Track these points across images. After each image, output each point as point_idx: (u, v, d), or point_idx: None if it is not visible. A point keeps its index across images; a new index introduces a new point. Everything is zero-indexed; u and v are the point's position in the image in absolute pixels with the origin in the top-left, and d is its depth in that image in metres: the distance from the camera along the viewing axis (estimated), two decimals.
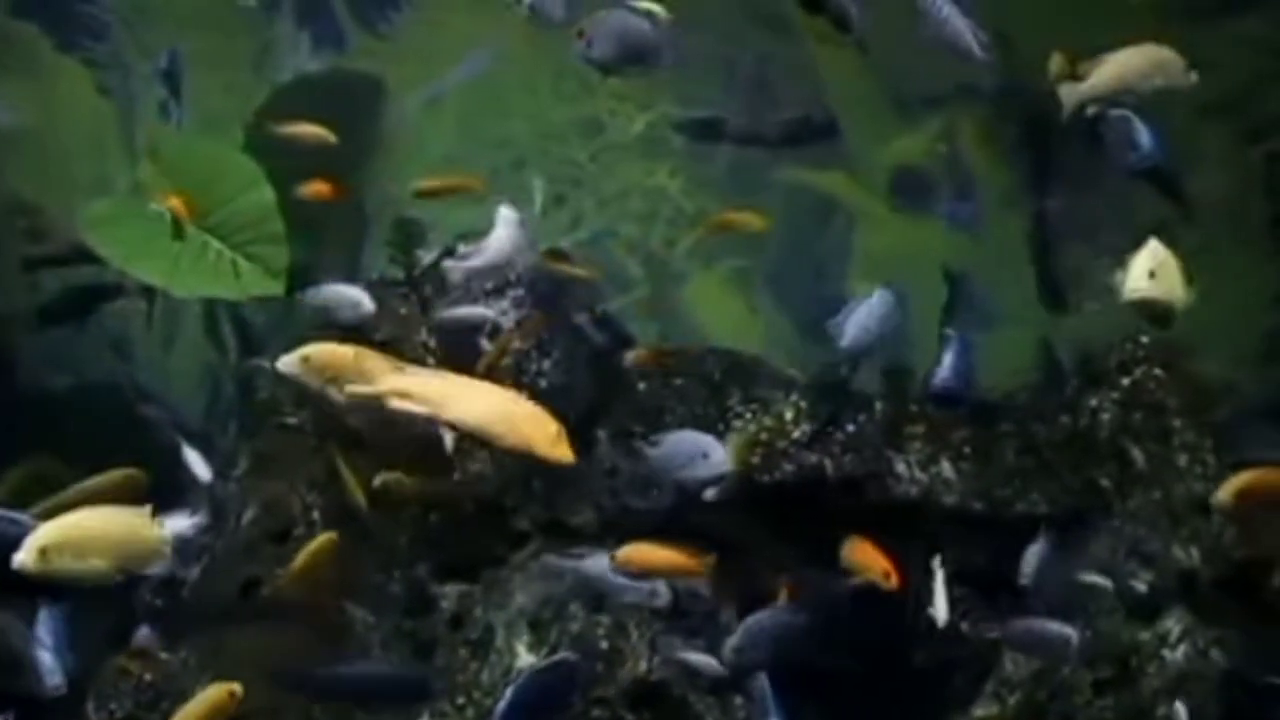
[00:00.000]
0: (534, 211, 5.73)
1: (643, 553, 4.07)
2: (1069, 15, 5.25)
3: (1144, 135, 4.35)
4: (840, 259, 5.84)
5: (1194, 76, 4.22)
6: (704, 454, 4.19)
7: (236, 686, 3.85)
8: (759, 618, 4.26)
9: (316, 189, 4.69)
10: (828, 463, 4.59)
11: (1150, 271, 3.75)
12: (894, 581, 4.07)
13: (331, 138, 4.74)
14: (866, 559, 4.11)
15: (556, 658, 4.14)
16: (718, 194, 5.80)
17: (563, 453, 3.46)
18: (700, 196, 5.81)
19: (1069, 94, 4.16)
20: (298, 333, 4.99)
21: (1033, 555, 4.30)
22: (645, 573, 4.11)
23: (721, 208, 5.81)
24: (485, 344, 4.75)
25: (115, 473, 4.53)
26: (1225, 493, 4.00)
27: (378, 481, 4.42)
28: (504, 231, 4.68)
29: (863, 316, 4.37)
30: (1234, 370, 5.51)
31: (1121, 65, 4.18)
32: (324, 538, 4.40)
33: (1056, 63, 4.33)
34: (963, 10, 4.12)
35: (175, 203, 4.57)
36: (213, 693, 3.86)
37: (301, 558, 4.34)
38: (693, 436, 4.32)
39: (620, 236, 5.78)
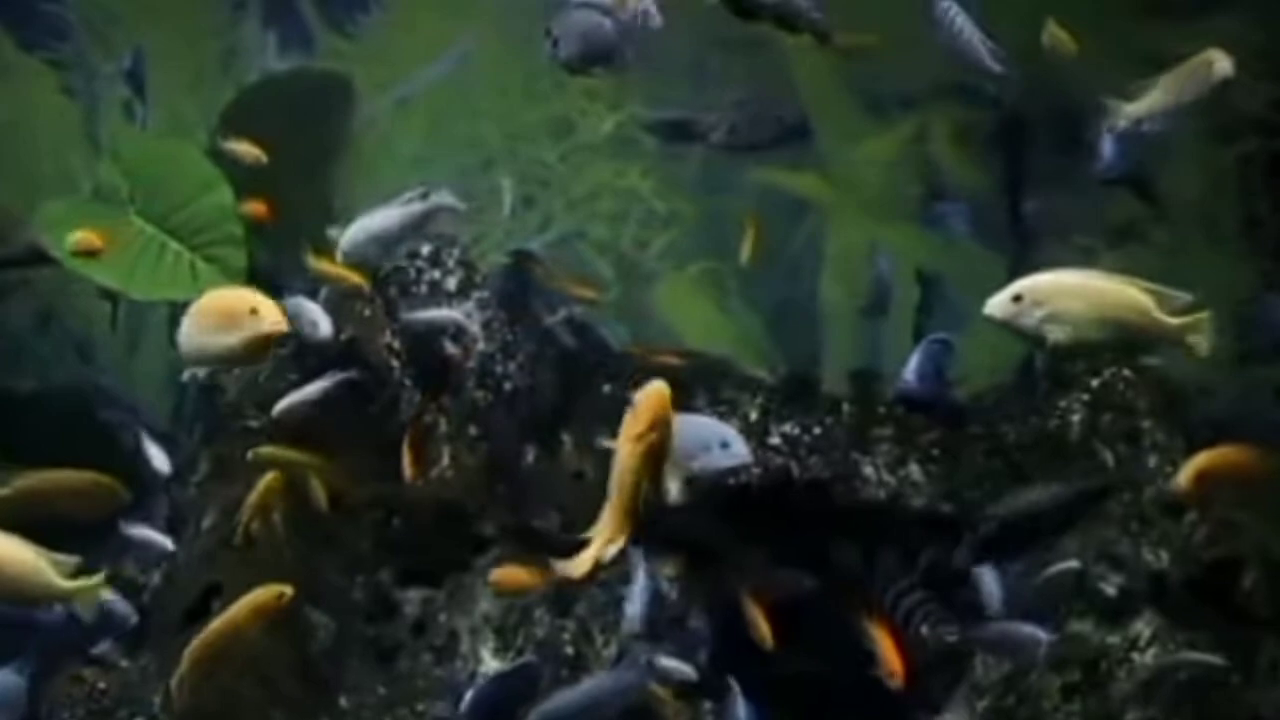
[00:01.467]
0: (503, 212, 5.72)
1: (514, 574, 4.16)
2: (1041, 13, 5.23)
3: (1109, 147, 4.34)
4: (812, 260, 5.81)
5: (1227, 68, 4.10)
6: (723, 442, 3.88)
7: (287, 589, 3.90)
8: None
9: (254, 209, 4.62)
10: (794, 465, 4.56)
11: (1016, 295, 3.52)
12: (897, 681, 4.16)
13: (264, 158, 4.67)
14: (884, 650, 4.18)
15: (518, 661, 4.10)
16: (689, 195, 5.78)
17: None
18: (672, 197, 5.78)
19: (1117, 111, 4.07)
20: None
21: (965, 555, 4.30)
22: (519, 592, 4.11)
23: (693, 209, 5.81)
24: (450, 346, 4.72)
25: (86, 474, 4.55)
26: (1184, 477, 3.89)
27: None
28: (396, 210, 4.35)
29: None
30: (1208, 371, 5.49)
31: (1175, 88, 4.10)
32: (270, 476, 4.39)
33: (1052, 35, 4.29)
34: (974, 19, 4.11)
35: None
36: (261, 594, 3.90)
37: (254, 495, 4.36)
38: (707, 423, 4.05)
39: (590, 238, 5.74)
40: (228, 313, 3.64)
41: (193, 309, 3.71)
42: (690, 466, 3.85)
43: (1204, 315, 3.57)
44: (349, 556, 4.55)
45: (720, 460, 3.88)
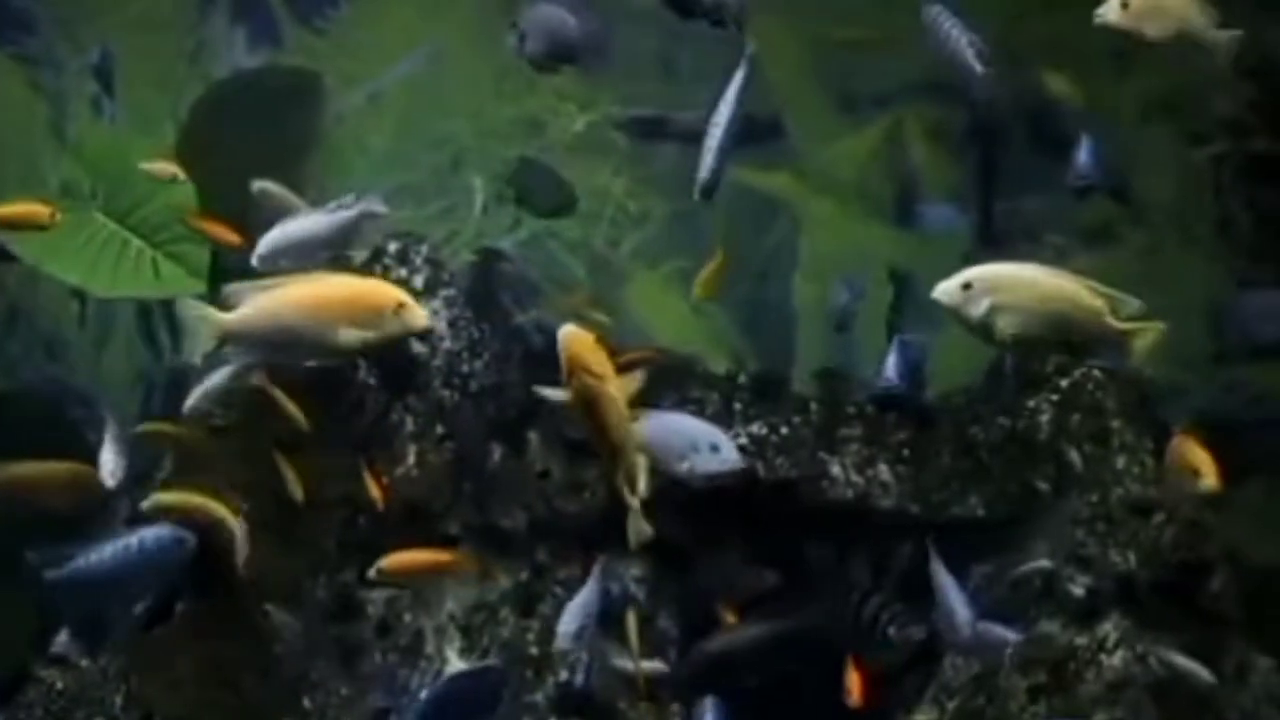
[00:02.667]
0: (475, 211, 5.69)
1: (402, 560, 4.15)
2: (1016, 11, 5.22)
3: (1084, 155, 4.33)
4: (785, 259, 5.79)
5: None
6: (712, 445, 3.85)
7: None
8: None
9: (226, 238, 4.55)
10: (760, 465, 4.53)
11: (966, 283, 3.50)
12: (854, 701, 4.22)
13: (181, 174, 4.59)
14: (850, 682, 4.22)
15: (477, 665, 4.08)
16: (661, 194, 5.75)
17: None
18: (643, 196, 5.76)
19: (1107, 11, 3.90)
20: None
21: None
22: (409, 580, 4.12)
23: (665, 207, 5.78)
24: (417, 345, 4.69)
25: (64, 465, 4.51)
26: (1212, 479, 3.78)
27: None
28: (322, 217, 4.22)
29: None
30: (1181, 372, 5.48)
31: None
32: None
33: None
34: (965, 25, 4.10)
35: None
36: None
37: None
38: (697, 425, 3.97)
39: (562, 237, 5.71)
40: (371, 306, 3.54)
41: (303, 297, 3.59)
42: (679, 469, 3.86)
43: (1155, 325, 3.54)
44: (313, 555, 4.51)
45: (709, 464, 3.85)
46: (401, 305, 3.57)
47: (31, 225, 4.20)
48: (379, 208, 4.12)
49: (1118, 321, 3.52)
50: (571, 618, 3.98)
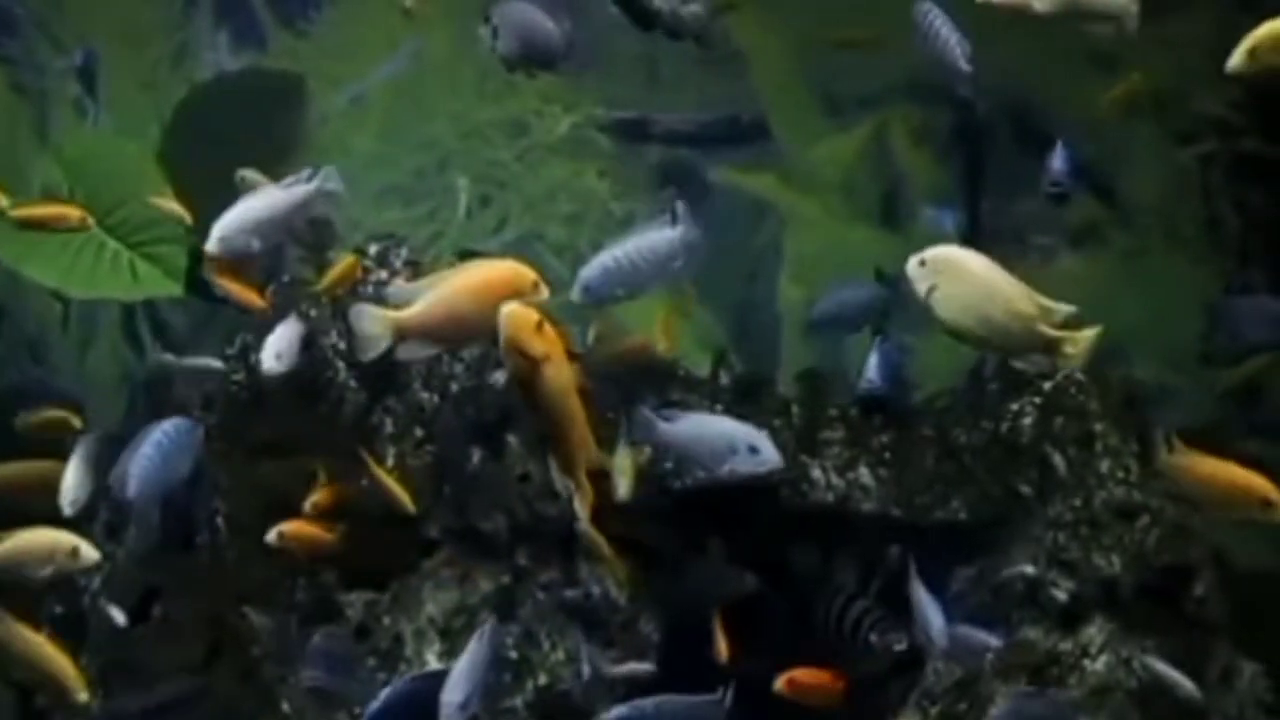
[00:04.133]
0: (459, 212, 5.68)
1: (303, 530, 4.26)
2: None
3: (1059, 161, 4.31)
4: (772, 261, 5.78)
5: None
6: (751, 447, 3.75)
7: None
8: None
9: (246, 298, 4.49)
10: None
11: (922, 260, 3.50)
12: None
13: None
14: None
15: (435, 669, 4.04)
16: (646, 195, 5.73)
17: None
18: (628, 198, 5.74)
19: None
20: (219, 334, 4.93)
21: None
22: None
23: (650, 209, 5.75)
24: None
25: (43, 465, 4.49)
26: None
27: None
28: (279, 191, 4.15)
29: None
30: (1169, 374, 5.46)
31: None
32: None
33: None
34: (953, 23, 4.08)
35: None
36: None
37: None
38: (736, 426, 3.85)
39: (547, 239, 5.70)
40: (519, 286, 3.53)
41: (468, 285, 3.58)
42: (719, 472, 3.79)
43: (1088, 334, 3.54)
44: (291, 558, 4.49)
45: (748, 466, 3.77)
46: (535, 283, 3.61)
47: (63, 227, 4.24)
48: (335, 185, 4.09)
49: (1049, 329, 3.51)
50: (456, 687, 3.72)
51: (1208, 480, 3.95)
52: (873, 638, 4.16)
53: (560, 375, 3.28)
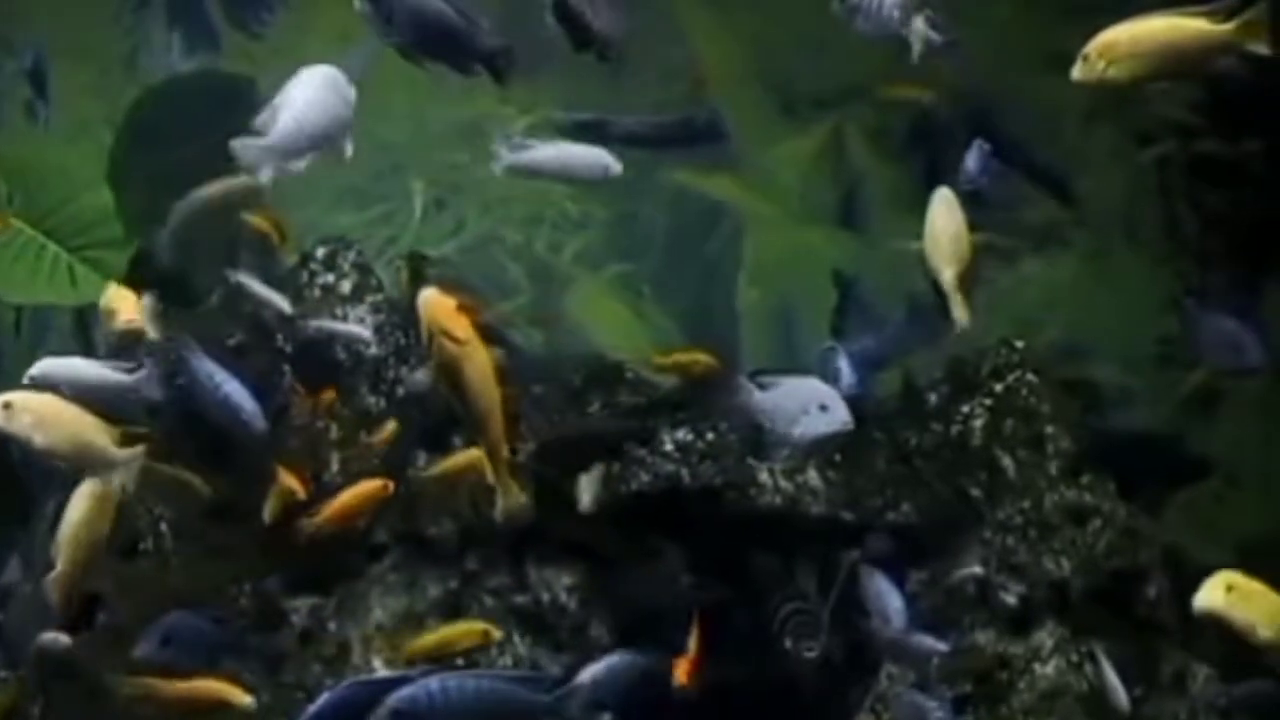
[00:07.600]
0: (415, 215, 5.64)
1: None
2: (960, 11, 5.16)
3: (971, 161, 4.28)
4: (729, 263, 5.74)
5: None
6: (821, 405, 3.68)
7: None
8: None
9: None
10: (684, 472, 4.46)
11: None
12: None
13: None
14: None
15: (366, 677, 4.00)
16: (603, 198, 5.69)
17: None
18: (585, 201, 5.69)
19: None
20: None
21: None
22: None
23: (607, 212, 5.72)
24: (341, 353, 4.63)
25: None
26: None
27: None
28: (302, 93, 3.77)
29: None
30: (1126, 376, 5.42)
31: None
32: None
33: None
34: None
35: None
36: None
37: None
38: (805, 383, 3.76)
39: (504, 242, 5.66)
40: None
41: None
42: (790, 433, 3.70)
43: None
44: (236, 564, 4.46)
45: (818, 425, 3.69)
46: None
47: None
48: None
49: None
50: None
51: None
52: (787, 643, 4.07)
53: (482, 358, 3.26)
